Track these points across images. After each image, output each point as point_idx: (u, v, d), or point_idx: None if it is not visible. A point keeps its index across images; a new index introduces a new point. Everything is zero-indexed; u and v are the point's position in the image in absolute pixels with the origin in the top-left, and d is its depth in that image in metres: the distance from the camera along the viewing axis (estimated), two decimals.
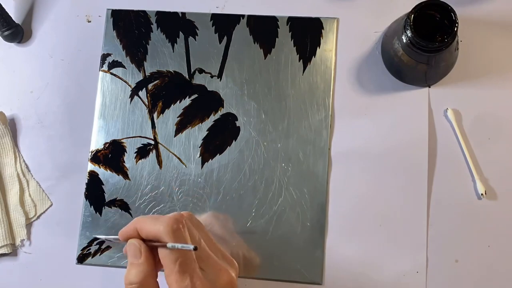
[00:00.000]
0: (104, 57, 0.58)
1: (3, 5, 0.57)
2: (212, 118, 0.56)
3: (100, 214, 0.55)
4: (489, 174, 0.52)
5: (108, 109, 0.57)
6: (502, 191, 0.52)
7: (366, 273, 0.52)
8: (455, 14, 0.48)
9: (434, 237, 0.52)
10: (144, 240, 0.39)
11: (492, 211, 0.52)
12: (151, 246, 0.38)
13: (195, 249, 0.35)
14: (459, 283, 0.51)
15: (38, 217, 0.56)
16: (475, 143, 0.53)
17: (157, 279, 0.40)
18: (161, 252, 0.37)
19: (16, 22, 0.59)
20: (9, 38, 0.58)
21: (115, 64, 0.58)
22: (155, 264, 0.39)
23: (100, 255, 0.54)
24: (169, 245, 0.36)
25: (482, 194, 0.51)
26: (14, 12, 0.60)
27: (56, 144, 0.57)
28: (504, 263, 0.51)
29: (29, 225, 0.56)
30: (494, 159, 0.52)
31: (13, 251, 0.55)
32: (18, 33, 0.58)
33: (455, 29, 0.48)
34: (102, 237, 0.48)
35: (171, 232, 0.37)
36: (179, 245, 0.36)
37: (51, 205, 0.56)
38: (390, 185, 0.53)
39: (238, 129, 0.55)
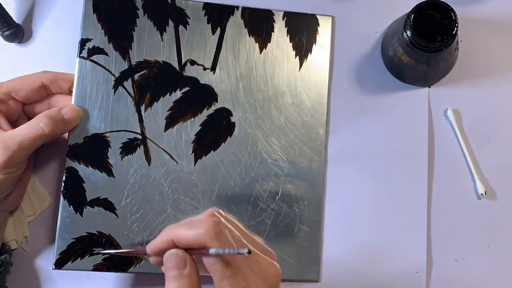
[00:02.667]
0: (83, 42, 0.54)
1: (3, 5, 0.56)
2: (206, 112, 0.54)
3: (81, 214, 0.51)
4: (489, 174, 0.54)
5: (89, 99, 0.53)
6: (502, 191, 0.54)
7: (366, 273, 0.53)
8: (455, 14, 0.50)
9: (434, 237, 0.53)
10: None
11: (492, 211, 0.54)
12: (195, 254, 0.36)
13: (249, 252, 0.32)
14: (459, 283, 0.53)
15: (38, 215, 0.53)
16: (475, 143, 0.55)
17: None
18: (207, 259, 0.35)
19: (17, 22, 0.58)
20: (10, 38, 0.57)
21: (95, 50, 0.54)
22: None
23: (81, 259, 0.50)
24: (220, 250, 0.33)
25: (482, 194, 0.53)
26: (14, 12, 0.59)
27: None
28: (504, 263, 0.53)
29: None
30: (494, 159, 0.55)
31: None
32: (19, 33, 0.57)
33: (455, 29, 0.50)
34: (110, 251, 0.44)
35: (214, 237, 0.34)
36: (231, 250, 0.33)
37: (51, 202, 0.54)
38: (390, 185, 0.54)
39: (233, 125, 0.54)
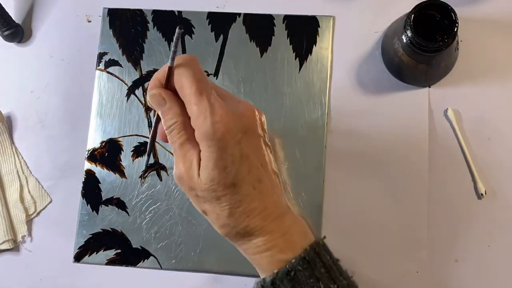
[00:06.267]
0: (100, 55, 0.60)
1: (3, 5, 0.60)
2: None
3: (97, 212, 0.57)
4: (489, 174, 0.54)
5: (105, 107, 0.59)
6: (502, 191, 0.54)
7: (366, 273, 0.54)
8: (455, 14, 0.51)
9: (434, 237, 0.54)
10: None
11: (492, 211, 0.54)
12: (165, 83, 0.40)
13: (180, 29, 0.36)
14: (459, 283, 0.54)
15: (38, 213, 0.59)
16: (475, 143, 0.55)
17: None
18: (177, 82, 0.38)
19: (16, 22, 0.62)
20: (9, 38, 0.61)
21: (111, 63, 0.60)
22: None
23: (96, 253, 0.56)
24: (169, 60, 0.38)
25: (482, 194, 0.54)
26: (14, 12, 0.63)
27: (56, 143, 0.61)
28: (504, 263, 0.53)
29: (29, 222, 0.59)
30: (494, 159, 0.55)
31: (15, 247, 0.59)
32: (18, 33, 0.61)
33: (455, 29, 0.50)
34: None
35: (185, 62, 0.38)
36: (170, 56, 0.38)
37: (51, 201, 0.59)
38: (390, 185, 0.56)
39: None
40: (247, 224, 0.39)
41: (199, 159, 0.38)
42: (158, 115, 0.42)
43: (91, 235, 0.57)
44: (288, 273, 0.39)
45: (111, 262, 0.57)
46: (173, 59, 0.38)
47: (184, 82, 0.38)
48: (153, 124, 0.45)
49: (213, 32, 0.60)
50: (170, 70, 0.39)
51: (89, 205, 0.58)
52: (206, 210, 0.40)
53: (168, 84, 0.40)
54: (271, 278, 0.39)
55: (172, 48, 0.38)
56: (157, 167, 0.58)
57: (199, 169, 0.38)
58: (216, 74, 0.59)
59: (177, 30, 0.36)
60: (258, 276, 0.55)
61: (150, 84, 0.40)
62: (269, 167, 0.41)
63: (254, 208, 0.39)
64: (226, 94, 0.41)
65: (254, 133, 0.40)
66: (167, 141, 0.41)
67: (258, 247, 0.40)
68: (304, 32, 0.59)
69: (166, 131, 0.40)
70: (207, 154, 0.37)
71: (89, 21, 0.62)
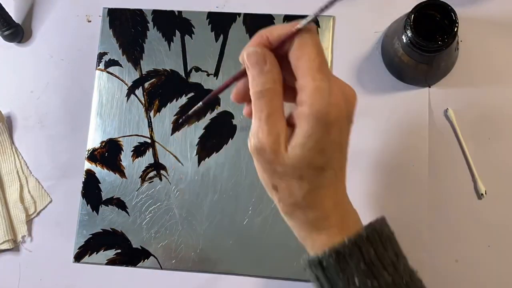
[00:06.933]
0: (100, 55, 0.61)
1: (3, 5, 0.60)
2: (209, 116, 0.58)
3: (97, 212, 0.57)
4: (489, 174, 0.55)
5: (105, 107, 0.59)
6: (502, 191, 0.54)
7: None
8: (455, 14, 0.51)
9: (434, 237, 0.55)
10: None
11: (492, 211, 0.54)
12: (278, 41, 0.36)
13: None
14: (459, 283, 0.54)
15: (38, 213, 0.60)
16: (475, 143, 0.55)
17: None
18: (298, 49, 0.35)
19: (16, 22, 0.63)
20: (9, 38, 0.62)
21: (111, 62, 0.60)
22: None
23: (96, 253, 0.56)
24: (304, 21, 0.34)
25: (482, 194, 0.54)
26: (14, 12, 0.64)
27: (56, 143, 0.61)
28: (504, 263, 0.54)
29: (29, 222, 0.59)
30: (494, 159, 0.55)
31: (15, 247, 0.59)
32: (18, 33, 0.62)
33: (455, 29, 0.51)
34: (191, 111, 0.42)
35: (309, 30, 0.35)
36: (310, 16, 0.33)
37: (51, 201, 0.60)
38: (390, 185, 0.56)
39: (234, 128, 0.58)
40: (319, 207, 0.38)
41: (287, 134, 0.36)
42: (242, 72, 0.38)
43: (91, 235, 0.57)
44: (337, 254, 0.37)
45: (111, 262, 0.57)
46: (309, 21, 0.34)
47: (309, 52, 0.35)
48: (229, 79, 0.38)
49: (213, 32, 0.60)
50: (294, 33, 0.35)
51: (89, 205, 0.58)
52: (278, 185, 0.38)
53: (279, 47, 0.36)
54: (319, 257, 0.37)
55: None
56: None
57: (285, 143, 0.36)
58: (216, 74, 0.59)
59: None
60: (258, 276, 0.55)
61: (254, 40, 0.36)
62: (347, 154, 0.39)
63: (330, 194, 0.38)
64: (334, 76, 0.38)
65: (351, 121, 0.38)
66: (240, 102, 0.38)
67: (315, 226, 0.38)
68: None
69: (253, 95, 0.36)
70: (309, 133, 0.35)
71: (89, 21, 0.62)
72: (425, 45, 0.51)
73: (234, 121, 0.58)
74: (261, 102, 0.36)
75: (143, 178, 0.58)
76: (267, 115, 0.36)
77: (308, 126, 0.35)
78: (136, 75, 0.60)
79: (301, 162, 0.36)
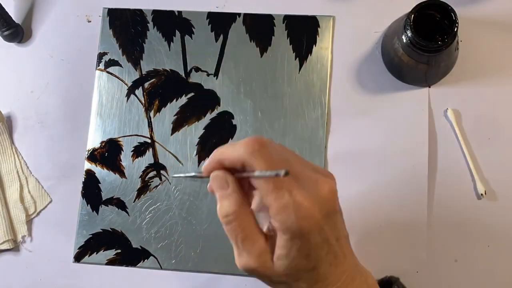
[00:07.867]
0: (100, 56, 0.61)
1: (3, 5, 0.60)
2: (209, 116, 0.59)
3: (97, 212, 0.57)
4: (489, 174, 0.55)
5: (105, 108, 0.60)
6: (502, 191, 0.55)
7: None
8: (455, 14, 0.51)
9: (434, 237, 0.55)
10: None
11: (492, 211, 0.54)
12: (239, 177, 0.37)
13: (286, 174, 0.31)
14: (459, 283, 0.54)
15: (38, 213, 0.60)
16: (475, 143, 0.56)
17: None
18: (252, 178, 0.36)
19: (16, 22, 0.63)
20: (9, 38, 0.62)
21: (111, 63, 0.61)
22: (244, 194, 0.38)
23: (96, 254, 0.57)
24: (257, 173, 0.34)
25: (482, 194, 0.54)
26: (14, 12, 0.64)
27: (56, 143, 0.61)
28: (504, 263, 0.54)
29: (29, 222, 0.60)
30: (494, 159, 0.55)
31: (15, 247, 0.59)
32: (18, 33, 0.62)
33: (455, 29, 0.51)
34: (180, 175, 0.50)
35: (255, 152, 0.35)
36: (267, 173, 0.33)
37: (51, 201, 0.60)
38: (390, 185, 0.56)
39: (234, 128, 0.58)
40: None
41: (268, 249, 0.36)
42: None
43: (91, 235, 0.58)
44: None
45: (111, 262, 0.57)
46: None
47: (259, 183, 0.35)
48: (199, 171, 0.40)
49: (213, 32, 0.60)
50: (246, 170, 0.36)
51: (89, 205, 0.58)
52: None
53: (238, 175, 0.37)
54: None
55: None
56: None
57: (271, 256, 0.36)
58: (216, 74, 0.60)
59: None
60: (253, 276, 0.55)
61: (212, 161, 0.37)
62: (342, 237, 0.39)
63: (330, 282, 0.38)
64: (301, 172, 0.37)
65: (334, 212, 0.38)
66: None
67: None
68: (304, 32, 0.59)
69: (221, 219, 0.37)
70: (288, 246, 0.35)
71: (89, 21, 0.63)
72: (425, 45, 0.51)
73: (234, 121, 0.58)
74: (232, 227, 0.36)
75: (143, 178, 0.58)
76: (242, 239, 0.36)
77: (285, 241, 0.35)
78: (136, 75, 0.60)
79: (291, 270, 0.36)
